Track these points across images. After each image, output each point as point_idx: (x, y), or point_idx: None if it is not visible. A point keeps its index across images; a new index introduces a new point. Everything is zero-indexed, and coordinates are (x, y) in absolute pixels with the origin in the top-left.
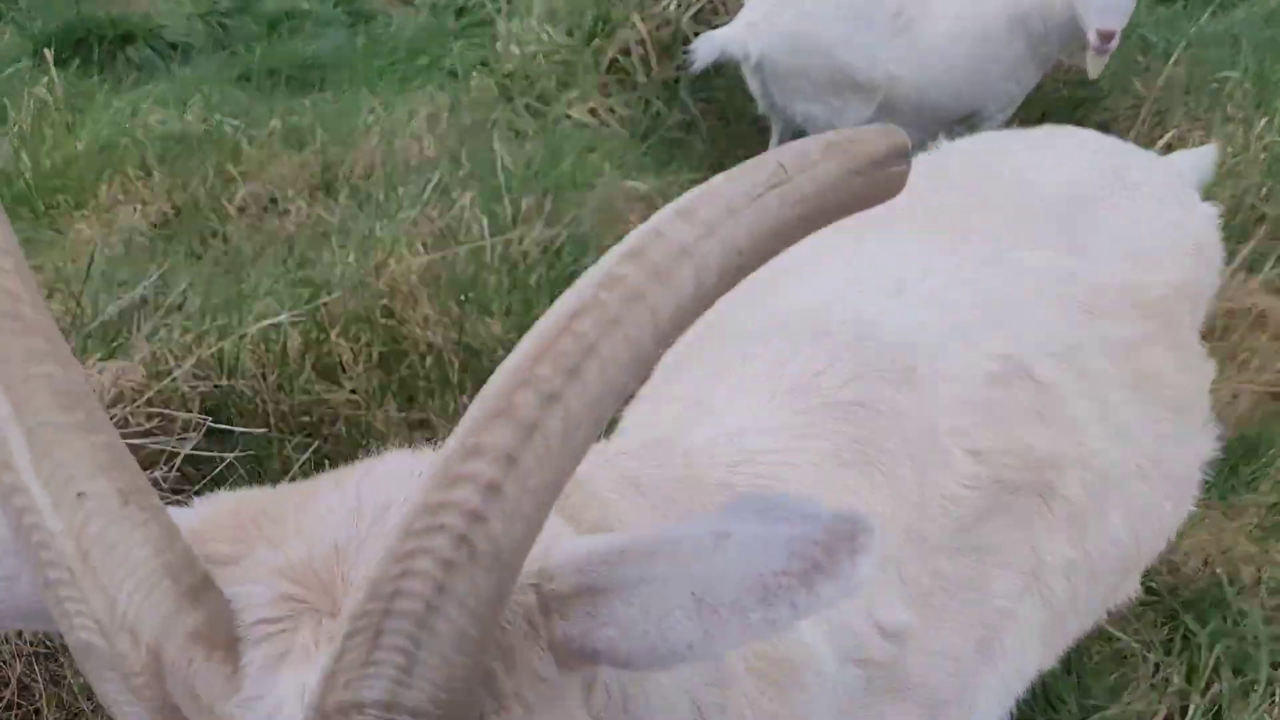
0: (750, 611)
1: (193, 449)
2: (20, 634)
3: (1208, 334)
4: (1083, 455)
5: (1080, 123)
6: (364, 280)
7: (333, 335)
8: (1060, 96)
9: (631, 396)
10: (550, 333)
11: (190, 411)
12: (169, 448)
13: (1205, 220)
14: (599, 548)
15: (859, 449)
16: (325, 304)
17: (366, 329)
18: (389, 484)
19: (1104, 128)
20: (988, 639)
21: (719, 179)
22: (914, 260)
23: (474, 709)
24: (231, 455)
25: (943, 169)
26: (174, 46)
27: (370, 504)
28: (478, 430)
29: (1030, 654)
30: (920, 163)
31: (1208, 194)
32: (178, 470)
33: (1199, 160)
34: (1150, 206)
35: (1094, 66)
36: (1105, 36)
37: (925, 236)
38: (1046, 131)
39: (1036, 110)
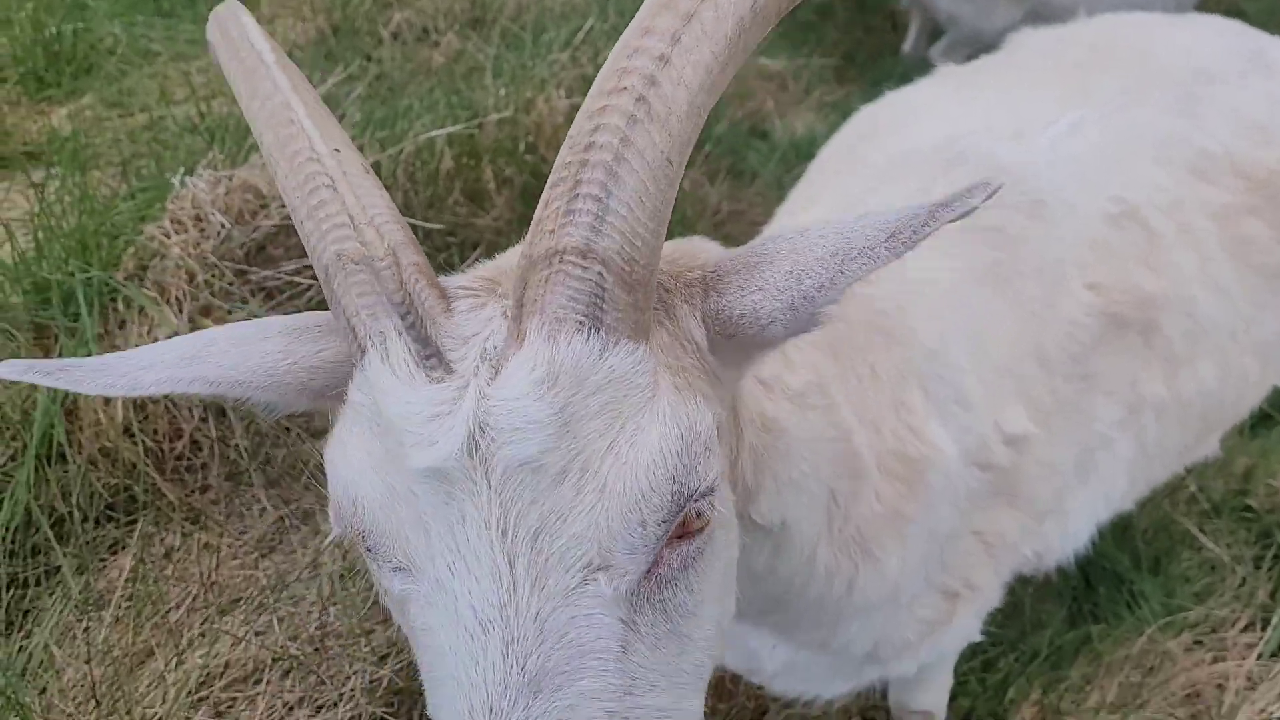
0: (878, 246)
1: None
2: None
3: None
4: (1183, 302)
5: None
6: (514, 114)
7: (483, 161)
8: (1235, 8)
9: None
10: None
11: None
12: None
13: None
14: (762, 238)
15: (994, 270)
16: (478, 129)
17: (512, 161)
18: None
19: None
20: (1085, 461)
21: None
22: (1033, 111)
23: (648, 296)
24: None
25: (1076, 35)
26: None
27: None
28: (650, 16)
29: (1118, 484)
30: (1056, 30)
31: None
32: None
33: None
34: None
35: None
36: None
37: (1046, 92)
38: (1192, 17)
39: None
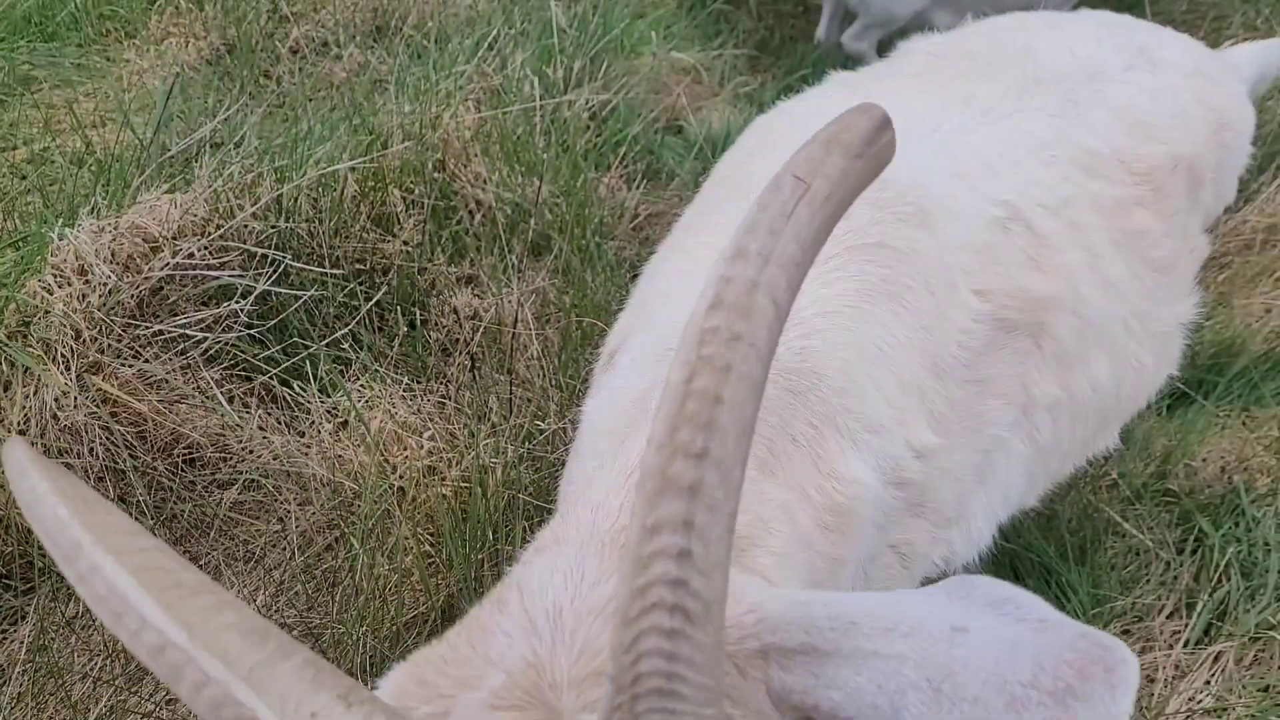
0: (995, 713)
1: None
2: (91, 450)
3: (1243, 248)
4: (1073, 301)
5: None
6: (420, 132)
7: (389, 185)
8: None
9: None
10: (675, 401)
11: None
12: (240, 283)
13: (1234, 103)
14: (823, 610)
15: (885, 286)
16: (383, 154)
17: (420, 181)
18: (546, 590)
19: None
20: (982, 465)
21: (752, 211)
22: (918, 118)
23: None
24: (306, 294)
25: (960, 41)
26: None
27: (540, 614)
28: (650, 509)
29: (1015, 483)
30: (942, 36)
31: (1259, 106)
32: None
33: (1263, 51)
34: (1171, 80)
35: None
36: None
37: (931, 98)
38: (1079, 14)
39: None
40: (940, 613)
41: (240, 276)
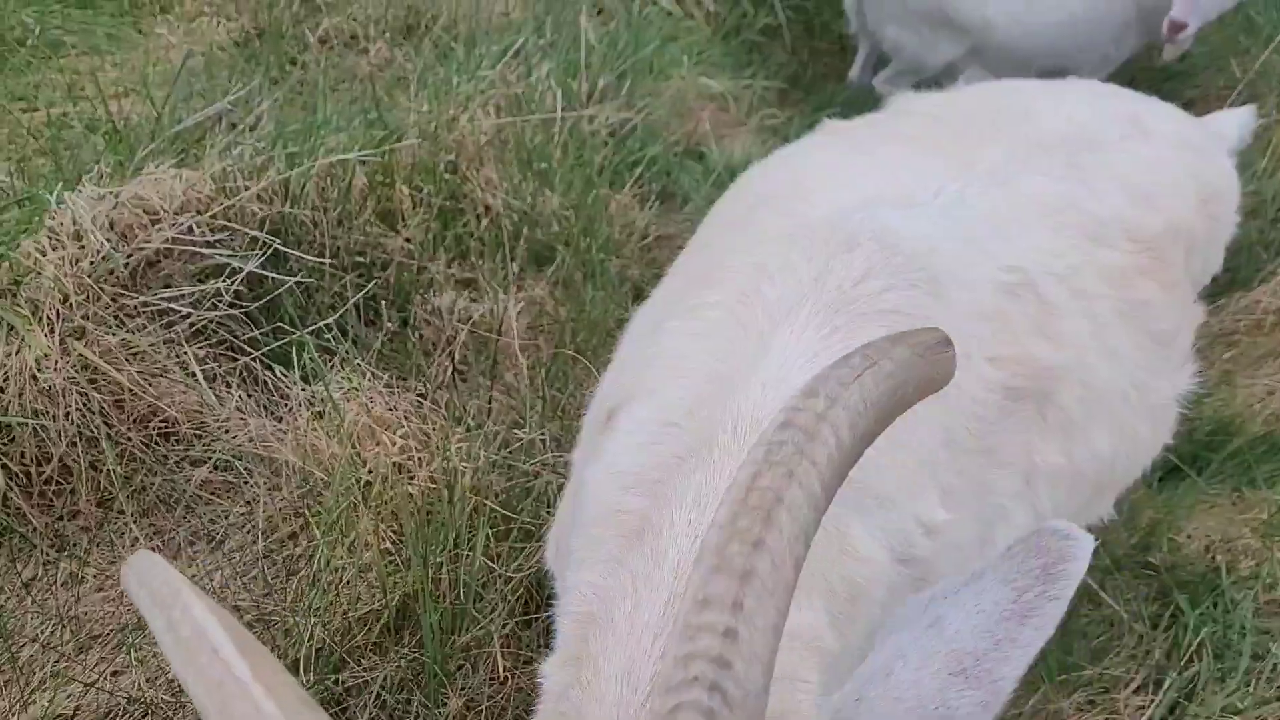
0: (1012, 631)
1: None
2: (67, 415)
3: (1253, 327)
4: (1079, 370)
5: (1169, 97)
6: (435, 132)
7: (397, 182)
8: (1154, 68)
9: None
10: (741, 492)
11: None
12: (233, 262)
13: (1221, 175)
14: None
15: None
16: (394, 150)
17: (430, 180)
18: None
19: (1191, 105)
20: (984, 535)
21: (824, 370)
22: (921, 180)
23: None
24: (291, 280)
25: (957, 104)
26: None
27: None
28: (704, 585)
29: None
30: (933, 97)
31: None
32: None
33: (1238, 120)
34: (1163, 151)
35: (1168, 52)
36: (1175, 28)
37: (934, 160)
38: (1067, 83)
39: (1125, 77)
40: (915, 618)
41: (233, 256)
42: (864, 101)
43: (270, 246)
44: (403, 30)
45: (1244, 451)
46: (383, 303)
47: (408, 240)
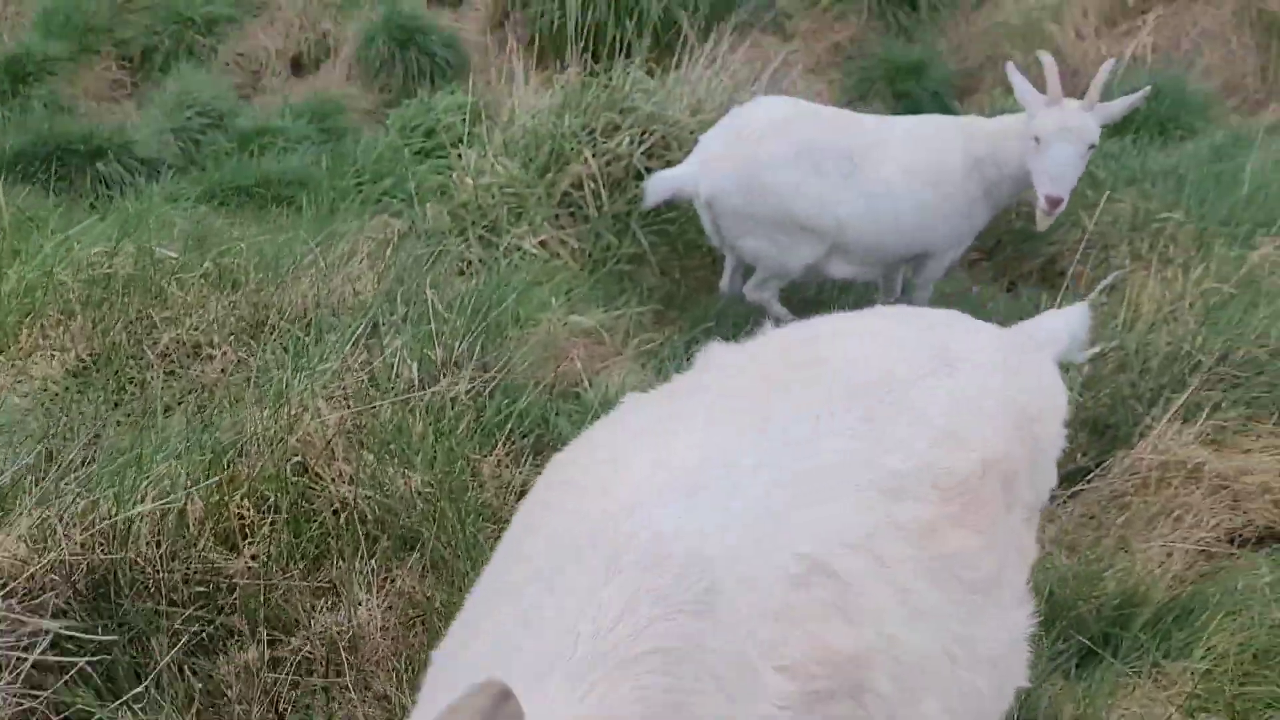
0: None
1: (61, 632)
2: None
3: (1140, 487)
4: (888, 647)
5: (1028, 255)
6: (276, 436)
7: (236, 499)
8: (1012, 229)
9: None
10: None
11: (74, 580)
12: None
13: (1041, 391)
14: None
15: (669, 698)
16: (231, 468)
17: (275, 488)
18: None
19: (1052, 261)
20: None
21: None
22: (713, 454)
23: None
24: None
25: (758, 359)
26: (144, 162)
27: None
28: None
29: None
30: (735, 350)
31: (1143, 339)
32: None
33: (1069, 320)
34: (971, 381)
35: (1042, 223)
36: (1053, 203)
37: (727, 427)
38: (873, 313)
39: (989, 239)
40: None
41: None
42: (739, 311)
43: (49, 634)
44: (250, 330)
45: (1155, 622)
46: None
47: (253, 558)
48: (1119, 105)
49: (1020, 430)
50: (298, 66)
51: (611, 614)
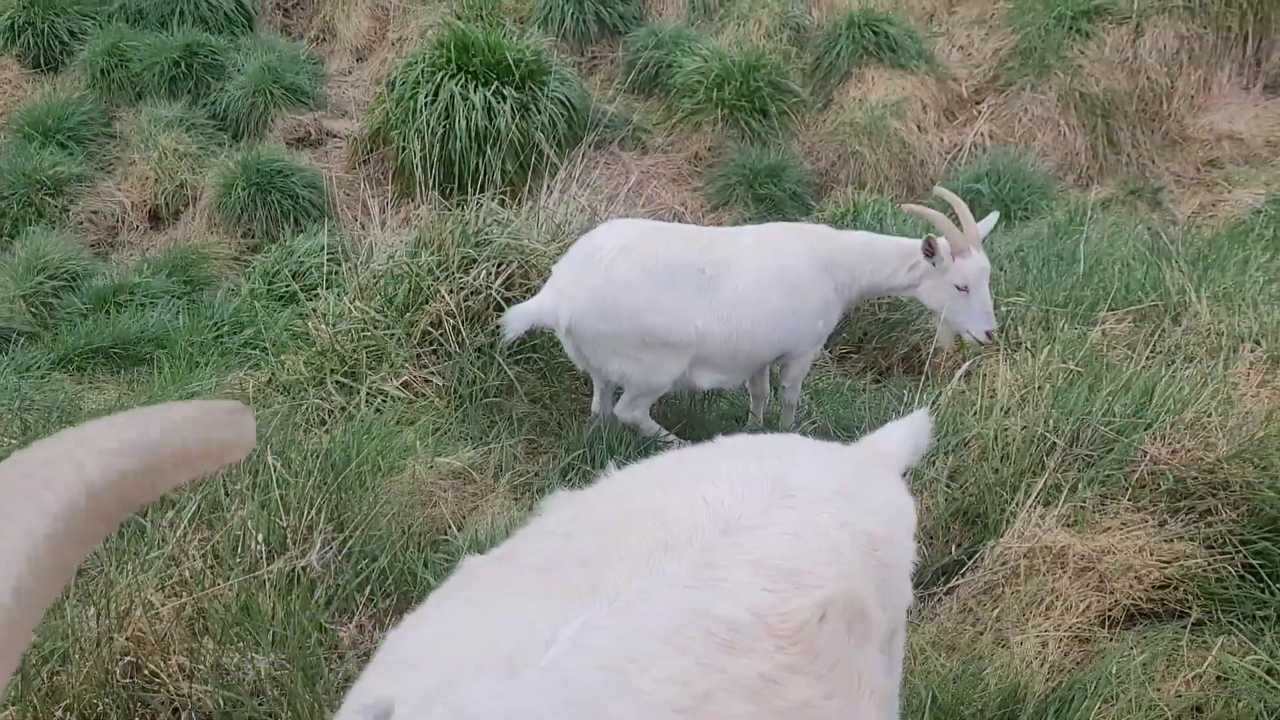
0: None
1: None
2: None
3: (1011, 576)
4: None
5: (896, 344)
6: (104, 637)
7: (58, 713)
8: (878, 319)
9: None
10: None
11: None
12: None
13: (885, 511)
14: None
15: None
16: (51, 679)
17: (103, 695)
18: None
19: (916, 349)
20: None
21: None
22: (536, 626)
23: None
24: None
25: (593, 513)
26: None
27: None
28: None
29: None
30: (573, 506)
31: (1000, 425)
32: None
33: (912, 428)
34: (810, 513)
35: (945, 339)
36: (991, 335)
37: (554, 595)
38: (712, 448)
39: (856, 333)
40: None
41: None
42: (614, 432)
43: None
44: None
45: (1038, 717)
46: None
47: None
48: (985, 230)
49: (866, 558)
50: (156, 219)
51: None
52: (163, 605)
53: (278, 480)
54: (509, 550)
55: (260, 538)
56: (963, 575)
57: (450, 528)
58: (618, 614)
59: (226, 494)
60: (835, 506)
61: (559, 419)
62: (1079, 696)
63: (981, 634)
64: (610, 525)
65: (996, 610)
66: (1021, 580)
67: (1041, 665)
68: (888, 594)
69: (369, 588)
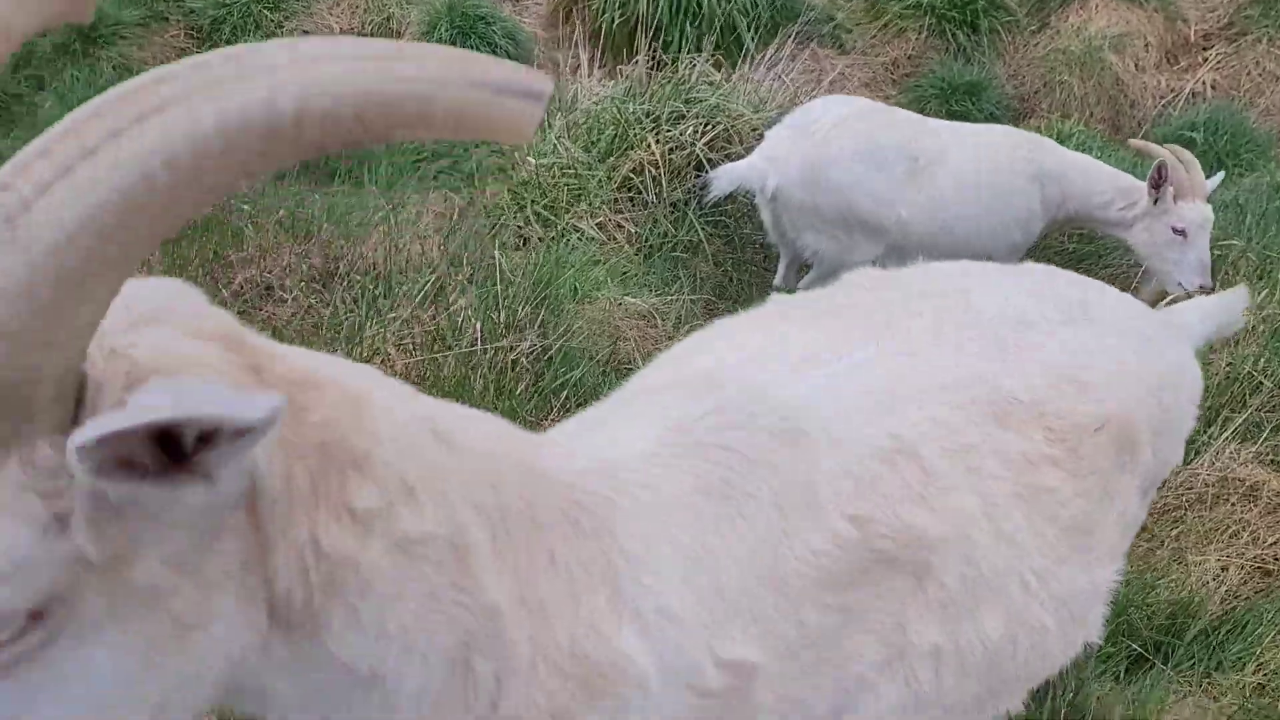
0: None
1: None
2: None
3: (1195, 502)
4: (964, 547)
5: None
6: None
7: None
8: (1066, 249)
9: None
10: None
11: None
12: None
13: (1175, 366)
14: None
15: (724, 490)
16: None
17: None
18: None
19: (1112, 283)
20: (841, 705)
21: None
22: (836, 343)
23: None
24: None
25: (900, 280)
26: None
27: None
28: (47, 144)
29: None
30: (886, 272)
31: (1203, 359)
32: None
33: (1214, 308)
34: (1107, 339)
35: (1149, 292)
36: (1206, 291)
37: (853, 329)
38: (1016, 266)
39: (1039, 258)
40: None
41: None
42: None
43: None
44: (321, 278)
45: (1207, 634)
46: None
47: None
48: (1211, 187)
49: (1150, 396)
50: None
51: (700, 410)
52: (398, 360)
53: (499, 276)
54: (817, 295)
55: (478, 325)
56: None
57: (637, 359)
58: (906, 355)
59: (449, 284)
60: (1130, 342)
61: (738, 286)
62: (1253, 623)
63: (1157, 549)
64: (915, 291)
65: (1176, 530)
66: (1207, 507)
67: (1218, 589)
68: (1161, 441)
69: (565, 393)
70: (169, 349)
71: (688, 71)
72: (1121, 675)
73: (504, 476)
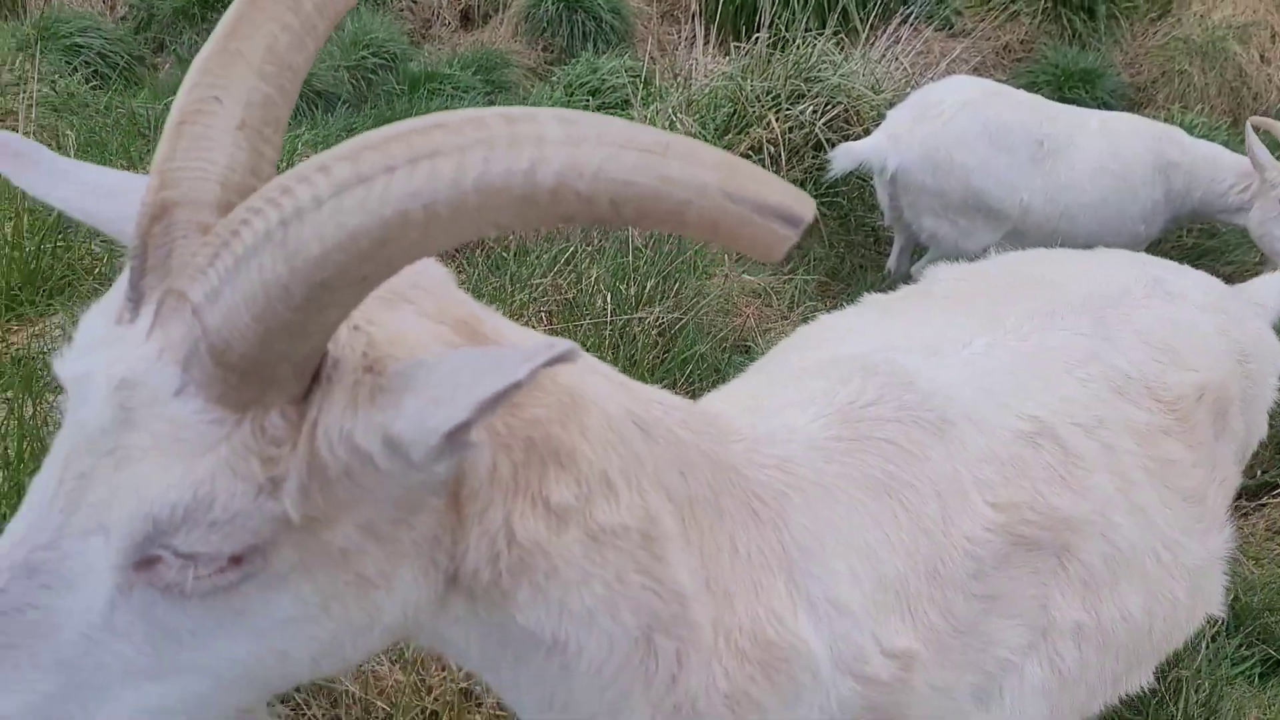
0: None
1: None
2: None
3: None
4: (1103, 525)
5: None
6: None
7: None
8: (1185, 244)
9: None
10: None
11: None
12: None
13: (1256, 339)
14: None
15: (887, 481)
16: None
17: None
18: None
19: (1228, 280)
20: (986, 687)
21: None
22: (948, 334)
23: (246, 382)
24: None
25: (986, 270)
26: (320, 95)
27: None
28: (327, 161)
29: (1031, 713)
30: (968, 265)
31: None
32: None
33: None
34: (1189, 312)
35: None
36: None
37: (960, 318)
38: (1098, 251)
39: (1159, 253)
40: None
41: None
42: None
43: None
44: (462, 247)
45: None
46: None
47: None
48: None
49: (1236, 365)
50: (466, 19)
51: (867, 397)
52: (535, 326)
53: (631, 247)
54: (907, 292)
55: (608, 296)
56: (1274, 496)
57: (756, 335)
58: (1022, 339)
59: (579, 253)
60: (1211, 315)
61: (851, 268)
62: None
63: None
64: (1005, 280)
65: None
66: None
67: None
68: (1248, 408)
69: (689, 367)
70: (405, 330)
71: (809, 49)
72: (1256, 679)
73: (693, 464)
